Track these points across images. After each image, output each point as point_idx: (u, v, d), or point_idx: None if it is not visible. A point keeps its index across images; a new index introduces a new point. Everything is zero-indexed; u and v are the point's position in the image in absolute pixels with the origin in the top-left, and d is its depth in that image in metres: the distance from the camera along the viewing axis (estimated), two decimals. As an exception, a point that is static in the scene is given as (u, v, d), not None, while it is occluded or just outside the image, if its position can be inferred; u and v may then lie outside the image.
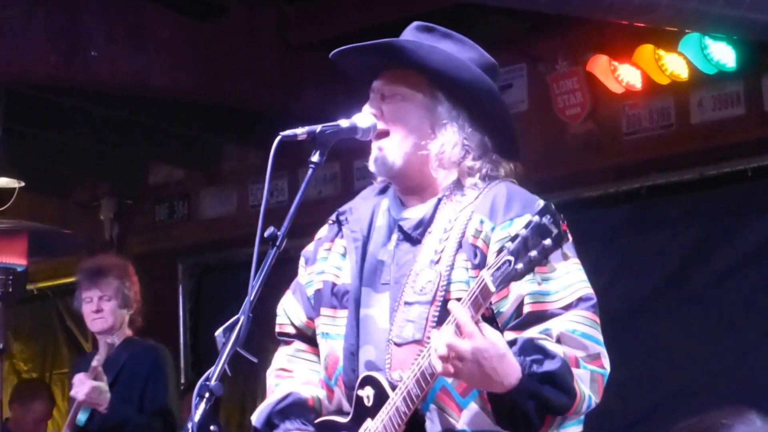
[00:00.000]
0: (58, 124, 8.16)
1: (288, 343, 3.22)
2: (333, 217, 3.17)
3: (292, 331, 3.20)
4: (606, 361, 2.86)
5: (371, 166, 3.06)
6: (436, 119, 3.02)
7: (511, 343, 2.76)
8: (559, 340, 2.80)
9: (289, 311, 3.20)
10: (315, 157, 2.98)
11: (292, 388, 3.12)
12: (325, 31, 6.95)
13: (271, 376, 3.19)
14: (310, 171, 2.97)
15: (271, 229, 2.85)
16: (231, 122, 8.13)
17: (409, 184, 3.06)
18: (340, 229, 3.13)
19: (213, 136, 8.59)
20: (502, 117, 3.06)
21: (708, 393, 6.74)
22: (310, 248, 3.21)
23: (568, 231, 2.74)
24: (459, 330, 2.67)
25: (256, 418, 3.12)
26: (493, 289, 2.67)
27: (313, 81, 7.11)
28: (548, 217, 2.63)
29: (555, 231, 2.63)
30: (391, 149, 3.02)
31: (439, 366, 2.70)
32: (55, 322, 10.10)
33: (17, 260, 6.35)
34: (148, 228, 9.06)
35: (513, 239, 2.65)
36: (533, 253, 2.63)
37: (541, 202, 2.69)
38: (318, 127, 2.99)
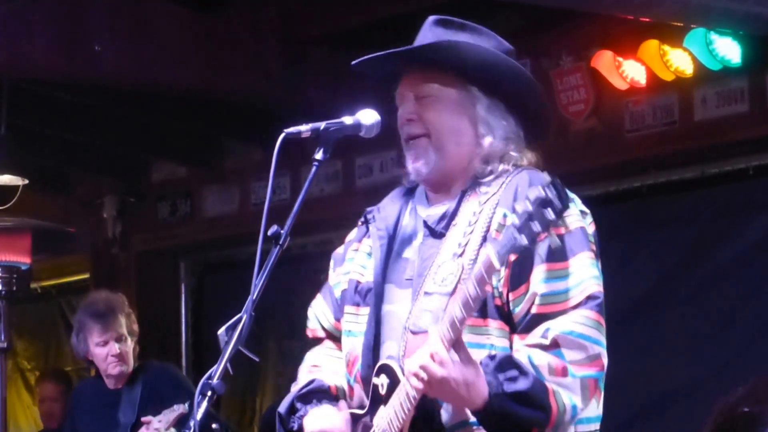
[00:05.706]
0: (61, 121, 8.14)
1: (320, 344, 3.25)
2: (362, 218, 3.17)
3: (322, 334, 3.23)
4: (604, 361, 2.85)
5: (413, 173, 3.03)
6: (475, 115, 3.01)
7: (492, 357, 2.79)
8: (556, 342, 2.80)
9: (319, 314, 3.23)
10: (319, 155, 2.98)
11: (316, 375, 3.14)
12: (329, 25, 6.92)
13: (302, 371, 3.21)
14: (314, 168, 2.97)
15: (274, 228, 2.86)
16: (234, 119, 8.11)
17: (445, 182, 3.04)
18: (367, 229, 3.13)
19: (216, 133, 8.57)
20: (538, 99, 3.09)
21: (705, 391, 6.73)
22: (339, 251, 3.22)
23: (590, 222, 2.97)
24: (432, 357, 2.69)
25: (281, 405, 3.13)
26: (497, 264, 2.67)
27: (316, 76, 7.08)
28: (553, 191, 2.65)
29: (557, 203, 2.63)
30: (434, 153, 3.00)
31: (413, 382, 2.74)
32: (58, 321, 10.11)
33: (21, 258, 6.35)
34: (150, 226, 9.04)
35: (519, 215, 2.65)
36: (536, 226, 2.63)
37: (547, 178, 2.69)
38: (322, 124, 2.99)
